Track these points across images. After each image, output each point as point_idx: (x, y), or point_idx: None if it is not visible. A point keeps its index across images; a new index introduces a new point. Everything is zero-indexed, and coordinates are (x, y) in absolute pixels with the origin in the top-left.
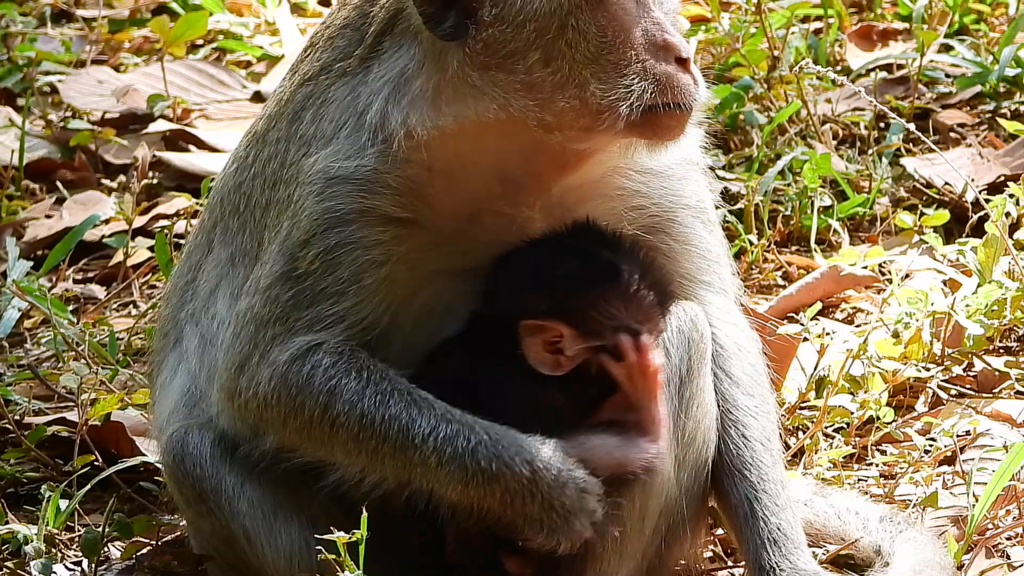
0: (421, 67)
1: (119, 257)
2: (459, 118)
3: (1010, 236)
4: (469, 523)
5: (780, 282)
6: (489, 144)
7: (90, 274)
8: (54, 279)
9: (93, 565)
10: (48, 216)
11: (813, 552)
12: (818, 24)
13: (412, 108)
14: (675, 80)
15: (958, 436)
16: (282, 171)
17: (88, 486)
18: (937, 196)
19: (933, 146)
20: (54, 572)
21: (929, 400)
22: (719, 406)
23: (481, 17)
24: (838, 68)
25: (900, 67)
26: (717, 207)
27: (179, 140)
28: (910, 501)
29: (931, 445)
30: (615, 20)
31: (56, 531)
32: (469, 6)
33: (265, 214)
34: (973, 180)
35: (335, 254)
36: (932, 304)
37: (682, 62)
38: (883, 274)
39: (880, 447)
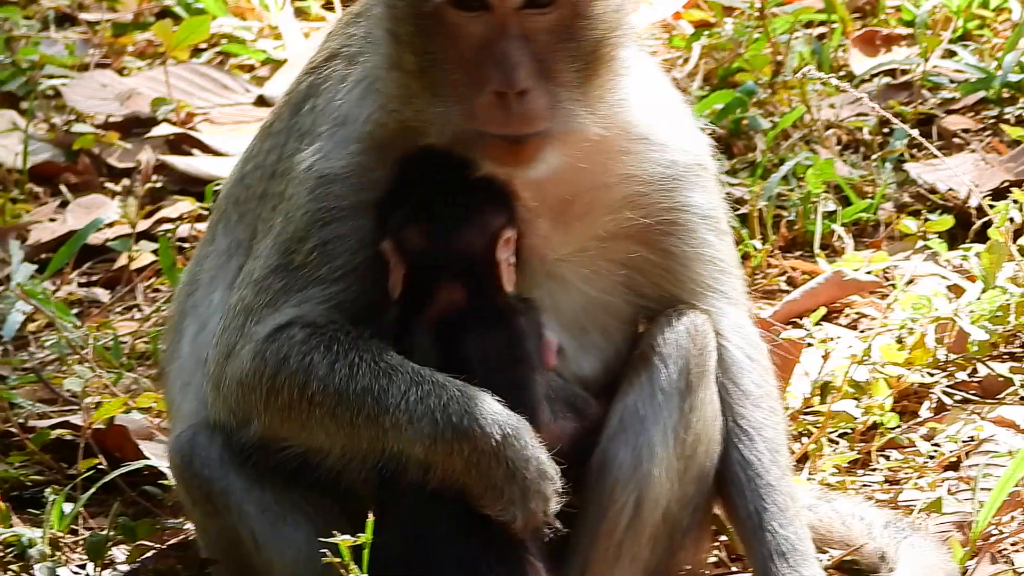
0: (386, 61)
1: (123, 261)
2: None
3: (1014, 242)
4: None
5: (784, 287)
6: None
7: (94, 277)
8: (58, 282)
9: (98, 568)
10: (52, 219)
11: (817, 557)
12: (822, 29)
13: (383, 102)
14: (487, 112)
15: (962, 442)
16: (279, 164)
17: (92, 489)
18: (941, 202)
19: (937, 152)
20: (58, 575)
21: (933, 405)
22: (728, 418)
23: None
24: (841, 73)
25: (904, 72)
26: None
27: (183, 144)
28: (914, 506)
29: (935, 451)
30: (445, 42)
31: (61, 534)
32: None
33: (260, 204)
34: (977, 186)
35: (331, 247)
36: (936, 309)
37: (500, 95)
38: (887, 279)
39: (884, 453)
